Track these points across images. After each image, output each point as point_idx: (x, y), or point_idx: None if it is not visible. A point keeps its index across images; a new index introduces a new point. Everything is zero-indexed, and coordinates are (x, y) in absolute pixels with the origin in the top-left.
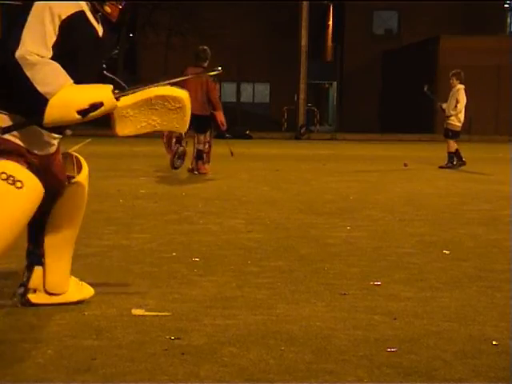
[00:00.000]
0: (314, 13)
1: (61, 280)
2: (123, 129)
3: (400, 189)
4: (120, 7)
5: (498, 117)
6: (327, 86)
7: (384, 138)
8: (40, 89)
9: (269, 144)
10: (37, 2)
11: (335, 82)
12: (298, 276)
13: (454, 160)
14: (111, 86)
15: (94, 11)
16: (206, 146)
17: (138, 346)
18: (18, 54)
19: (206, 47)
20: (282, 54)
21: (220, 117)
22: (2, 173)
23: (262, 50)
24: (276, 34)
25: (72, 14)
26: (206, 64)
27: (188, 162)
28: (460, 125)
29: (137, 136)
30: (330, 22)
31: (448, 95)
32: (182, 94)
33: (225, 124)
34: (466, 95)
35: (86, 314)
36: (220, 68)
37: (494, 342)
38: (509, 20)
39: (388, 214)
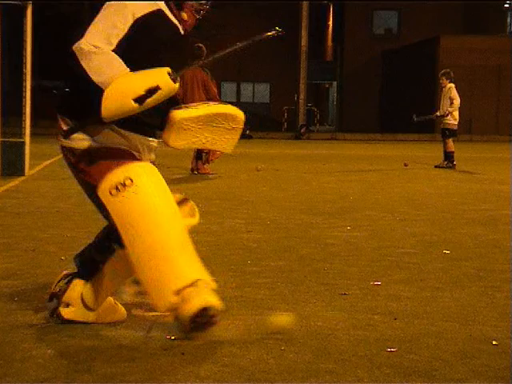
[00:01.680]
0: (313, 13)
1: (100, 299)
2: (177, 140)
3: (400, 189)
4: (198, 17)
5: (499, 117)
6: (327, 85)
7: (384, 137)
8: (95, 78)
9: (269, 144)
10: (109, 2)
11: (335, 82)
12: (298, 276)
13: (454, 160)
14: (167, 68)
15: (171, 11)
16: None
17: (138, 346)
18: (75, 46)
19: (201, 44)
20: (282, 53)
21: None
22: (110, 189)
23: (262, 50)
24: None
25: (149, 13)
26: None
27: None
28: (456, 123)
29: None
30: (330, 22)
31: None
32: (241, 115)
33: None
34: (465, 95)
35: None
36: (280, 28)
37: (493, 342)
38: (509, 20)
39: (388, 214)
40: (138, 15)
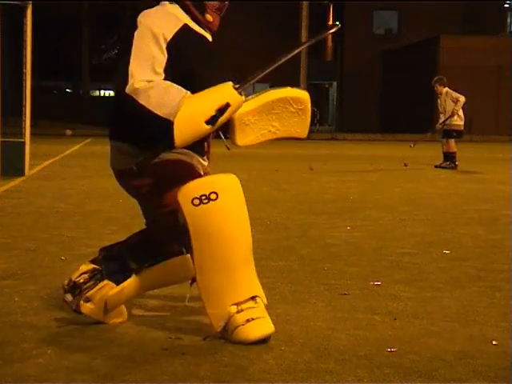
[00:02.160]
0: (313, 13)
1: (119, 305)
2: (244, 137)
3: (400, 189)
4: (220, 14)
5: (499, 117)
6: (327, 85)
7: (384, 137)
8: (160, 113)
9: (269, 144)
10: (138, 30)
11: (335, 82)
12: (298, 276)
13: (456, 160)
14: (231, 83)
15: (196, 22)
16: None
17: (138, 346)
18: (128, 88)
19: None
20: (282, 54)
21: None
22: (193, 199)
23: (262, 50)
24: (276, 33)
25: (177, 32)
26: None
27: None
28: (463, 123)
29: None
30: (330, 22)
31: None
32: (303, 94)
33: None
34: (465, 95)
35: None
36: (338, 23)
37: (494, 342)
38: (509, 20)
39: (388, 213)
40: (169, 37)
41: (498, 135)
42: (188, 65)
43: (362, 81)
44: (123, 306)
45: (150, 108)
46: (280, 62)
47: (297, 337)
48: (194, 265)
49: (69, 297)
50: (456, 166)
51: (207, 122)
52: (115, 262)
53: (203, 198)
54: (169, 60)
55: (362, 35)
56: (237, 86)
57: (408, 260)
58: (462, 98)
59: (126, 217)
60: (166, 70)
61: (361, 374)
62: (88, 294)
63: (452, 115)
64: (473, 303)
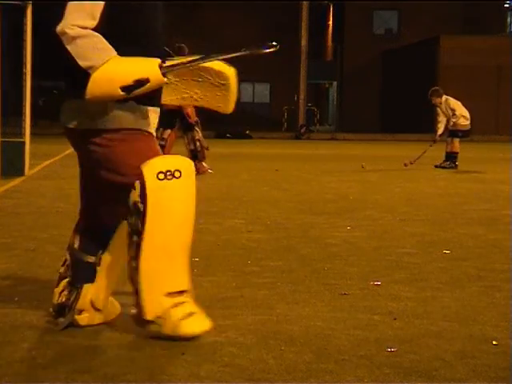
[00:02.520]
0: (313, 13)
1: (106, 295)
2: (165, 96)
3: (400, 189)
4: None
5: (498, 117)
6: (327, 85)
7: (384, 137)
8: (81, 63)
9: (269, 144)
10: None
11: (335, 82)
12: (298, 276)
13: (457, 160)
14: (159, 61)
15: None
16: (198, 144)
17: (138, 346)
18: (58, 28)
19: (182, 44)
20: (282, 54)
21: (186, 109)
22: (158, 174)
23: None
24: (276, 34)
25: None
26: None
27: None
28: (468, 122)
29: None
30: (330, 22)
31: (448, 95)
32: (228, 70)
33: (192, 116)
34: (465, 95)
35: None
36: (275, 43)
37: (494, 342)
38: (509, 20)
39: (388, 214)
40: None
41: (498, 135)
42: (128, 18)
43: (361, 81)
44: (113, 300)
45: (75, 56)
46: (210, 59)
47: (297, 337)
48: (139, 246)
49: (61, 320)
50: (456, 166)
51: (122, 89)
52: (76, 266)
53: (168, 173)
54: (107, 8)
55: (362, 35)
56: (165, 65)
57: (408, 260)
58: (458, 111)
59: None
60: (102, 22)
61: (361, 374)
62: (78, 307)
63: (455, 121)
64: (473, 303)
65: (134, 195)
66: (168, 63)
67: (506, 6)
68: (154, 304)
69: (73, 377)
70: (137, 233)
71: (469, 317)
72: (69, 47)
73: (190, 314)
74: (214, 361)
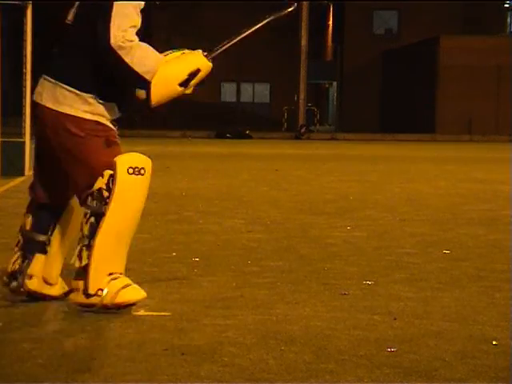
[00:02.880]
0: (313, 13)
1: (57, 271)
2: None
3: (400, 189)
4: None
5: (498, 117)
6: (327, 85)
7: (384, 137)
8: (139, 70)
9: (269, 144)
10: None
11: (335, 82)
12: (298, 276)
13: None
14: (200, 51)
15: None
16: None
17: (138, 346)
18: (113, 43)
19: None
20: (282, 53)
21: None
22: (129, 168)
23: (262, 50)
24: (276, 33)
25: (145, 3)
26: None
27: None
28: None
29: (136, 136)
30: (330, 22)
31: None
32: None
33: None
34: (465, 95)
35: (85, 314)
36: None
37: (494, 342)
38: (509, 20)
39: (388, 214)
40: (142, 5)
41: (498, 135)
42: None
43: (362, 81)
44: (60, 278)
45: (132, 66)
46: (244, 35)
47: (297, 337)
48: (96, 227)
49: (14, 283)
50: None
51: (180, 85)
52: (28, 244)
53: (136, 169)
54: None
55: (362, 35)
56: (205, 53)
57: (408, 260)
58: None
59: None
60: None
61: (361, 374)
62: (29, 272)
63: None
64: (473, 303)
65: (101, 182)
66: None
67: (506, 5)
68: (98, 280)
69: (73, 377)
70: (95, 215)
71: (469, 317)
72: (126, 58)
73: (126, 286)
74: (214, 361)
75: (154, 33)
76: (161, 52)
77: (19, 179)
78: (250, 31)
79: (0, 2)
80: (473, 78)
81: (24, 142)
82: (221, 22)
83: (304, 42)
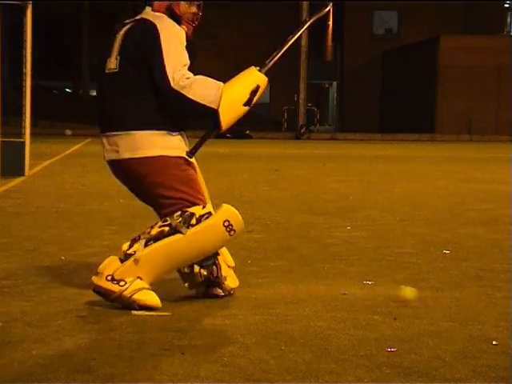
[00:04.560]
0: (313, 13)
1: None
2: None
3: (400, 189)
4: (193, 24)
5: (498, 117)
6: (327, 85)
7: (384, 137)
8: (204, 102)
9: (269, 144)
10: (163, 34)
11: (335, 82)
12: (298, 276)
13: None
14: (255, 67)
15: None
16: None
17: (138, 346)
18: (174, 85)
19: None
20: (282, 53)
21: None
22: (226, 220)
23: (262, 50)
24: (276, 33)
25: (185, 34)
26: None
27: None
28: None
29: None
30: (330, 22)
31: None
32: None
33: None
34: (465, 95)
35: (86, 314)
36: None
37: (494, 342)
38: (509, 20)
39: (388, 214)
40: (184, 40)
41: (498, 135)
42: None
43: (362, 81)
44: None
45: (197, 100)
46: (291, 42)
47: (297, 337)
48: (165, 235)
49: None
50: None
51: (245, 104)
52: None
53: (230, 227)
54: None
55: (362, 35)
56: (258, 68)
57: (408, 260)
58: None
59: (126, 217)
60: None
61: (361, 374)
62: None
63: None
64: (473, 303)
65: (198, 210)
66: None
67: (506, 5)
68: (128, 273)
69: (73, 377)
70: (173, 229)
71: (469, 317)
72: (189, 95)
73: (148, 289)
74: (214, 361)
75: None
76: None
77: (19, 179)
78: (294, 37)
79: (0, 2)
80: (473, 78)
81: (24, 142)
82: (221, 22)
83: (304, 42)
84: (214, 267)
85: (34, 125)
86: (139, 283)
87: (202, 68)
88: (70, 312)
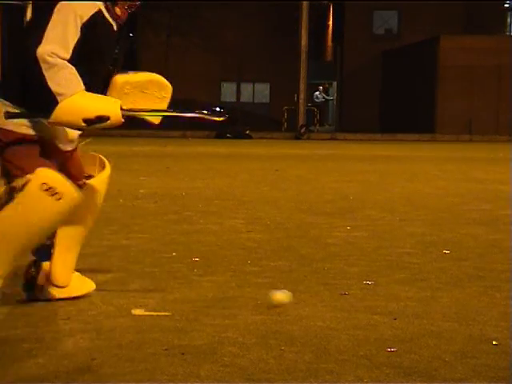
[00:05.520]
0: (313, 13)
1: (65, 273)
2: (124, 104)
3: (400, 189)
4: (129, 11)
5: (498, 117)
6: (327, 85)
7: (384, 137)
8: (54, 89)
9: (269, 144)
10: (60, 2)
11: (335, 82)
12: (298, 276)
13: None
14: (119, 102)
15: (107, 10)
16: None
17: (138, 345)
18: (39, 51)
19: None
20: (282, 54)
21: None
22: (43, 183)
23: (262, 50)
24: (276, 33)
25: (92, 15)
26: None
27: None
28: None
29: (136, 136)
30: (330, 22)
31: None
32: (169, 85)
33: None
34: (465, 95)
35: (85, 314)
36: (224, 113)
37: (494, 342)
38: (509, 20)
39: (388, 213)
40: (85, 19)
41: (498, 135)
42: (93, 43)
43: (362, 81)
44: (83, 278)
45: (49, 82)
46: (164, 114)
47: (297, 337)
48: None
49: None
50: None
51: (84, 121)
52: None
53: (53, 190)
54: (80, 38)
55: (361, 35)
56: (124, 108)
57: (408, 260)
58: None
59: (126, 217)
60: (74, 48)
61: (361, 373)
62: (39, 281)
63: None
64: (473, 303)
65: (18, 182)
66: (128, 107)
67: (506, 5)
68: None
69: (73, 377)
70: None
71: (469, 317)
72: (46, 73)
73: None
74: (214, 361)
75: (154, 33)
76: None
77: None
78: (171, 114)
79: (0, 2)
80: (473, 78)
81: None
82: (221, 22)
83: (304, 42)
84: (33, 268)
85: None
86: None
87: (202, 68)
88: (69, 312)
